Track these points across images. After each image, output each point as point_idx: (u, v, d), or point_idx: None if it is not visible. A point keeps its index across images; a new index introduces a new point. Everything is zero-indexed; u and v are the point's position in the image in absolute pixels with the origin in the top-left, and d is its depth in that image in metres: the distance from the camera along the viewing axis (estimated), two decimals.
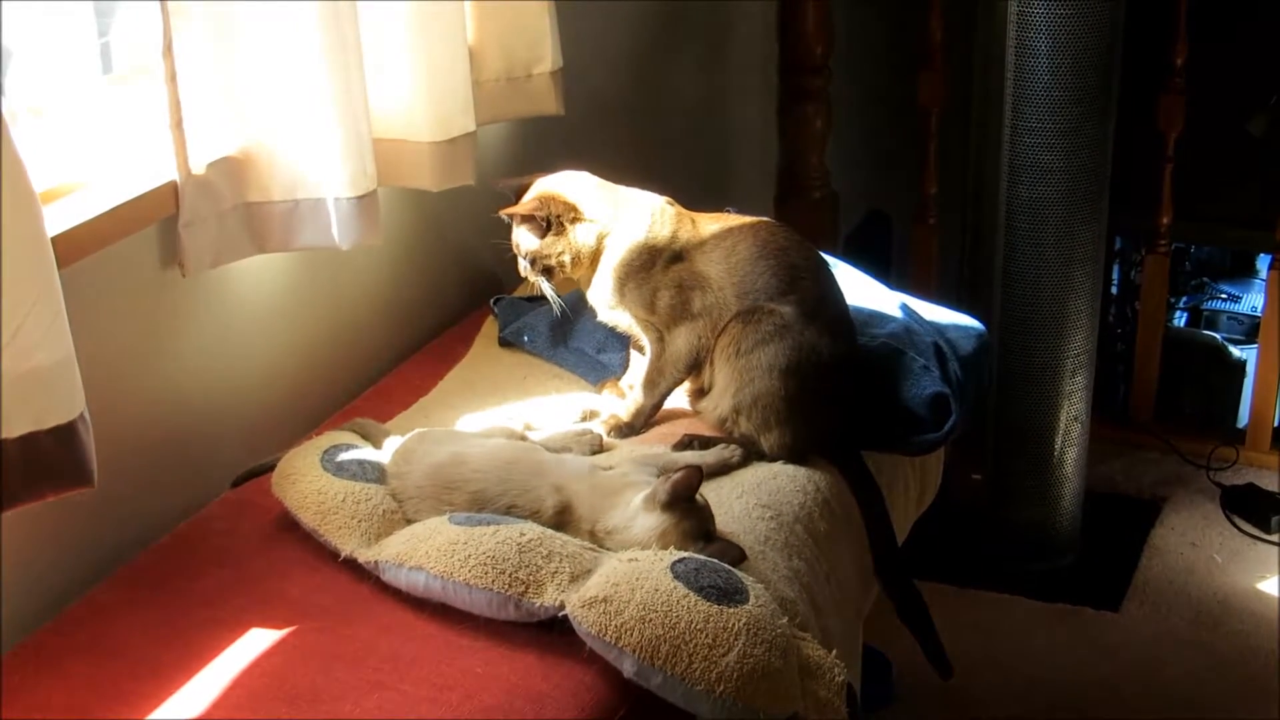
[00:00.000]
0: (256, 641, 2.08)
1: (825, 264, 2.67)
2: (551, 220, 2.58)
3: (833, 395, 2.54)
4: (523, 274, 2.65)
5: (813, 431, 2.52)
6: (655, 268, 2.58)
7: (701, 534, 2.16)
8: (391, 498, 2.29)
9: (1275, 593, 3.80)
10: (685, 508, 2.16)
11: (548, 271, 2.61)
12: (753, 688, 1.95)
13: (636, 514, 2.17)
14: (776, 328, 2.50)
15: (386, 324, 2.97)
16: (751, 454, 2.51)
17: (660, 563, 2.05)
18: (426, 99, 2.70)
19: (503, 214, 2.62)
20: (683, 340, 2.57)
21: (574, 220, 2.59)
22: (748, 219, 2.64)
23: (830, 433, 2.55)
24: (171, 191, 2.36)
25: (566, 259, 2.59)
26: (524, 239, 2.61)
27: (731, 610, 1.99)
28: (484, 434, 2.46)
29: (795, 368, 2.49)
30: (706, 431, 2.57)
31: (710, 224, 2.62)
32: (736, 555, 2.16)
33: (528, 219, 2.60)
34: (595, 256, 2.60)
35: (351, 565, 2.21)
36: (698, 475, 2.18)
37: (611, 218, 2.59)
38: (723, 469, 2.45)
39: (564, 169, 2.67)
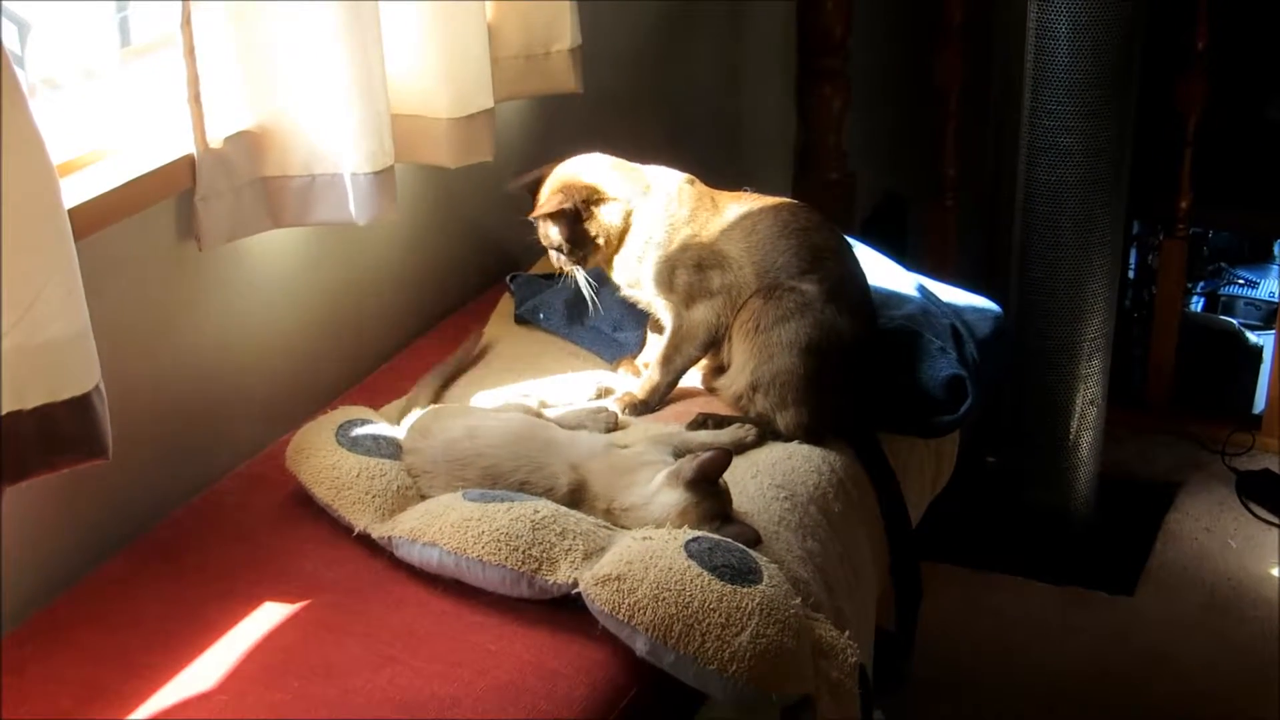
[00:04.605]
0: (270, 615, 2.09)
1: (848, 246, 2.67)
2: (579, 207, 2.59)
3: (851, 376, 2.54)
4: (555, 264, 2.66)
5: (829, 412, 2.52)
6: (674, 245, 2.57)
7: (720, 515, 2.16)
8: (406, 473, 2.29)
9: None
10: (707, 488, 2.16)
11: (582, 260, 2.62)
12: (765, 668, 1.95)
13: (658, 490, 2.17)
14: (798, 305, 2.50)
15: (402, 300, 2.97)
16: (767, 433, 2.51)
17: (674, 542, 2.05)
18: (444, 75, 2.69)
19: (533, 218, 2.63)
20: (700, 317, 2.57)
21: (599, 201, 2.59)
22: (770, 199, 2.64)
23: (846, 414, 2.55)
24: (188, 165, 2.36)
25: (601, 241, 2.61)
26: (554, 232, 2.62)
27: (745, 590, 1.99)
28: (499, 410, 2.47)
29: (815, 346, 2.49)
30: (722, 411, 2.57)
31: (732, 202, 2.62)
32: (752, 538, 2.16)
33: (555, 215, 2.60)
34: (623, 234, 2.61)
35: (365, 541, 2.21)
36: (727, 458, 2.18)
37: (633, 194, 2.60)
38: (737, 449, 2.45)
39: (582, 148, 2.67)
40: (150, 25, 2.52)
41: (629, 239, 2.61)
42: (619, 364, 2.75)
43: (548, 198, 2.61)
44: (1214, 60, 4.10)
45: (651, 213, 2.59)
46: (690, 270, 2.57)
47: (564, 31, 2.97)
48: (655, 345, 2.67)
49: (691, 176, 2.65)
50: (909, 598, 2.69)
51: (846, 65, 4.15)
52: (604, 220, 2.60)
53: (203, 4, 2.29)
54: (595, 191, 2.60)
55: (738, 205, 2.61)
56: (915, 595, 2.69)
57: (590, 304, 2.71)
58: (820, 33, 4.10)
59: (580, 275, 2.64)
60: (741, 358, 2.55)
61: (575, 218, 2.59)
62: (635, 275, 2.62)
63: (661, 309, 2.63)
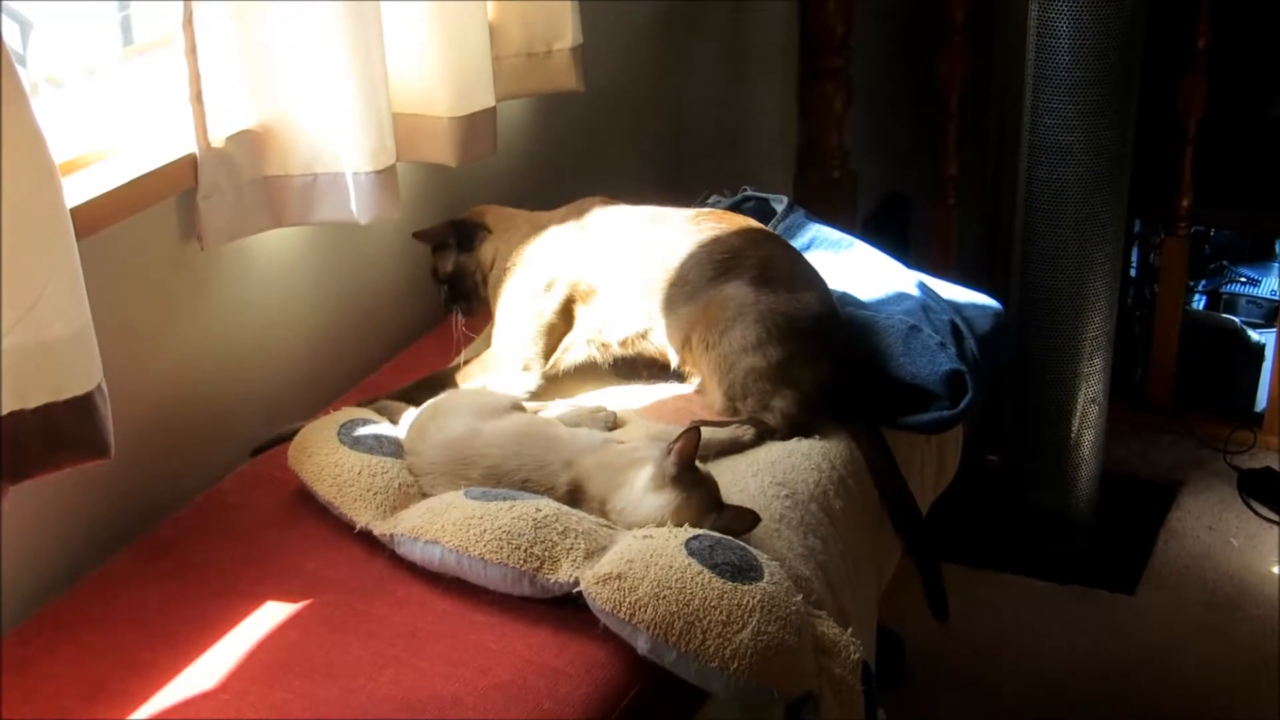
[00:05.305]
0: (272, 614, 2.09)
1: (770, 235, 2.69)
2: (460, 239, 2.70)
3: (819, 346, 2.52)
4: (444, 307, 2.76)
5: (812, 390, 2.51)
6: (536, 277, 2.63)
7: (713, 505, 2.16)
8: (408, 472, 2.29)
9: None
10: (693, 479, 2.15)
11: (465, 301, 2.73)
12: (767, 665, 1.95)
13: (644, 494, 2.16)
14: (734, 311, 2.50)
15: (405, 298, 2.97)
16: (764, 434, 2.50)
17: (675, 540, 2.05)
18: (446, 74, 2.70)
19: (414, 234, 2.74)
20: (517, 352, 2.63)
21: (482, 239, 2.70)
22: (673, 214, 2.66)
23: (831, 386, 2.54)
24: (190, 164, 2.36)
25: (479, 278, 2.69)
26: (439, 263, 2.73)
27: (746, 587, 1.99)
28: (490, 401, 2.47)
29: (767, 336, 2.48)
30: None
31: (630, 224, 2.65)
32: (751, 520, 2.17)
33: (440, 246, 2.71)
34: (494, 265, 2.69)
35: (367, 540, 2.21)
36: (697, 434, 2.16)
37: (513, 230, 2.68)
38: (735, 446, 2.44)
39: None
40: (152, 24, 2.52)
41: (495, 268, 2.67)
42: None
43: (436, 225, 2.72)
44: (1215, 59, 4.10)
45: (522, 246, 2.65)
46: (533, 296, 2.63)
47: (565, 30, 2.98)
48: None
49: (590, 204, 2.69)
50: (929, 568, 2.66)
51: (848, 64, 4.15)
52: (483, 256, 2.68)
53: (204, 3, 2.30)
54: (479, 227, 2.69)
55: (632, 227, 2.64)
56: (935, 565, 2.66)
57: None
58: (822, 31, 4.10)
59: (458, 322, 2.72)
60: (708, 379, 2.55)
61: (459, 245, 2.69)
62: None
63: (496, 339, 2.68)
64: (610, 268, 2.61)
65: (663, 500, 2.15)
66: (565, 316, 2.63)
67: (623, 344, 2.63)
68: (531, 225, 2.68)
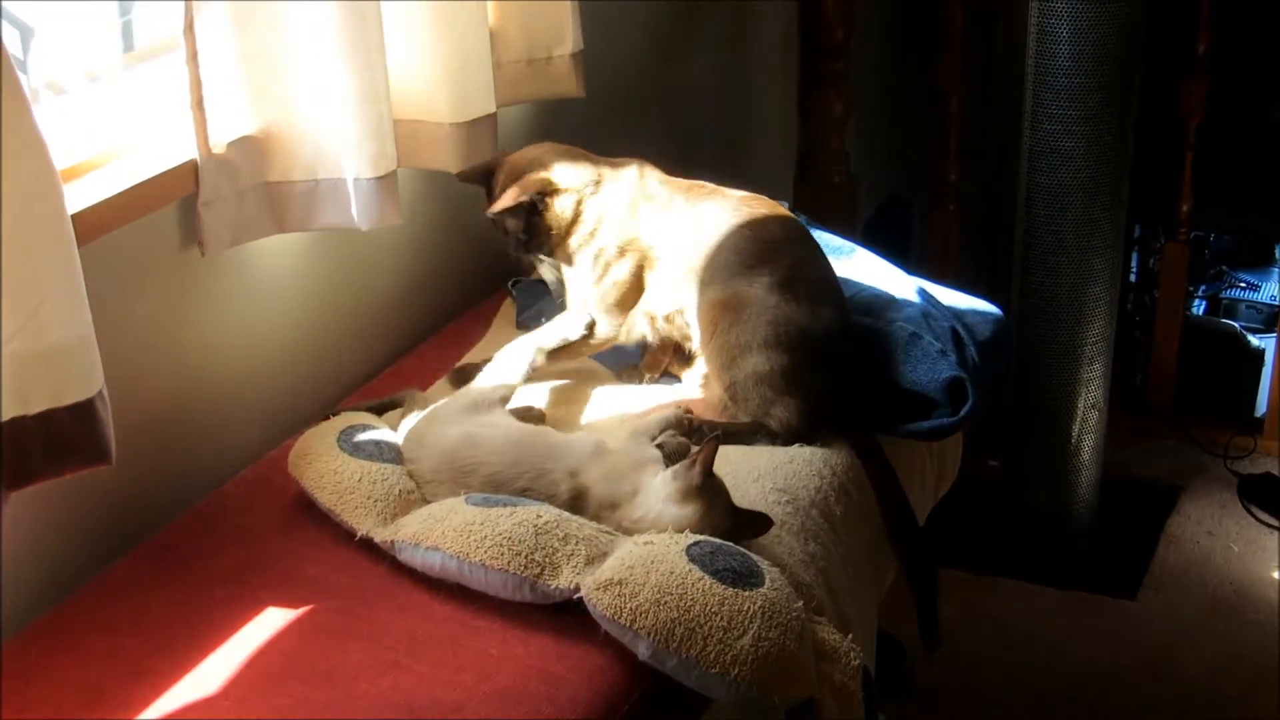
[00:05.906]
0: (273, 620, 2.09)
1: (807, 235, 2.68)
2: (535, 200, 2.62)
3: (826, 362, 2.52)
4: (513, 253, 2.70)
5: (815, 403, 2.51)
6: (608, 237, 2.62)
7: (730, 512, 2.17)
8: (408, 478, 2.29)
9: None
10: (713, 488, 2.15)
11: (538, 250, 2.67)
12: (767, 671, 1.95)
13: (666, 504, 2.15)
14: (752, 310, 2.50)
15: (405, 305, 2.97)
16: (763, 434, 2.51)
17: (676, 546, 2.05)
18: (447, 80, 2.70)
19: (491, 214, 2.65)
20: (594, 299, 2.64)
21: (553, 194, 2.63)
22: (729, 193, 2.65)
23: (834, 402, 2.54)
24: (191, 170, 2.36)
25: (554, 230, 2.65)
26: (511, 225, 2.65)
27: (746, 594, 1.99)
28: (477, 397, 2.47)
29: (775, 341, 2.48)
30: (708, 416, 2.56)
31: (681, 196, 2.64)
32: (764, 524, 2.18)
33: (513, 209, 2.62)
34: (573, 225, 2.65)
35: (368, 545, 2.21)
36: (717, 443, 2.16)
37: (585, 185, 2.64)
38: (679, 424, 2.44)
39: (576, 148, 2.68)
40: (153, 30, 2.53)
41: (576, 229, 2.64)
42: (623, 372, 2.75)
43: (505, 193, 2.64)
44: (1215, 63, 4.11)
45: (597, 204, 2.62)
46: (608, 261, 2.62)
47: (566, 36, 2.98)
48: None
49: (645, 167, 2.67)
50: (925, 594, 2.66)
51: (849, 69, 4.15)
52: (558, 211, 2.63)
53: (206, 8, 2.30)
54: (549, 184, 2.63)
55: (687, 201, 2.63)
56: (931, 591, 2.66)
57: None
58: (823, 36, 4.10)
59: (545, 263, 2.71)
60: (711, 370, 2.56)
61: (532, 210, 2.62)
62: (567, 261, 2.67)
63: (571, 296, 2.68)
64: (667, 238, 2.61)
65: (688, 511, 2.14)
66: (637, 284, 2.64)
67: (666, 319, 2.64)
68: (599, 181, 2.66)
